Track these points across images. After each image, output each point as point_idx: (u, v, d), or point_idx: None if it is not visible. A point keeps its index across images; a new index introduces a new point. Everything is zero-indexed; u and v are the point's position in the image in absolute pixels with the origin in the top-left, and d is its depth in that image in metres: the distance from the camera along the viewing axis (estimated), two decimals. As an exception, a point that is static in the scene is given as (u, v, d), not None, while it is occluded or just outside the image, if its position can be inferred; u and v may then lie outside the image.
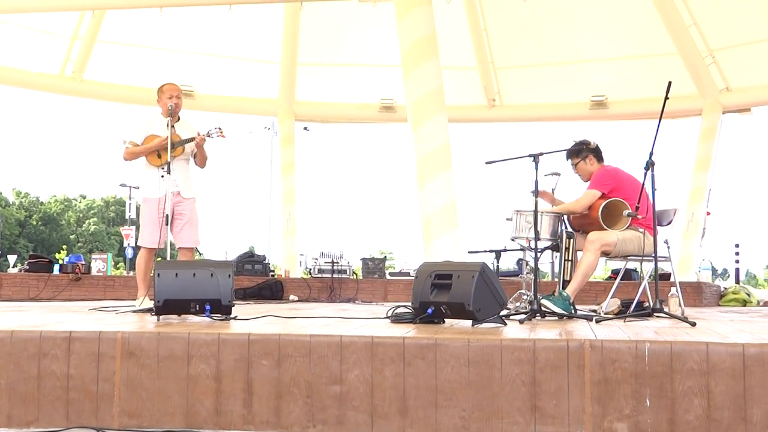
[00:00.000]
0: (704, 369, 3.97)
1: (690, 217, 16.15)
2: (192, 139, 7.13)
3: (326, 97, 18.51)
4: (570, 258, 6.55)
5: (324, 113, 18.83)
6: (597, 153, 7.05)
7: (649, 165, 5.87)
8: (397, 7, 12.24)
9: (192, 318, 5.59)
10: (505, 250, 8.45)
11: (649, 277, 6.55)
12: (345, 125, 20.59)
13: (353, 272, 13.01)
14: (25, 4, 14.29)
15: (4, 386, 4.34)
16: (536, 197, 6.29)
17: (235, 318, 5.65)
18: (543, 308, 6.05)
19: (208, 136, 7.14)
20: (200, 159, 7.36)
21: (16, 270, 13.10)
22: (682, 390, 3.97)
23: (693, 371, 3.98)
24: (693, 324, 5.33)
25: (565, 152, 6.97)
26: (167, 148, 7.03)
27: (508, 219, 6.89)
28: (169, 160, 6.99)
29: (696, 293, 11.27)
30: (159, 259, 7.96)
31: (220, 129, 7.17)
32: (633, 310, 6.25)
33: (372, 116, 18.58)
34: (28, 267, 12.54)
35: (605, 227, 6.59)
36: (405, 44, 12.04)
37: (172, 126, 7.19)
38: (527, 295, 7.02)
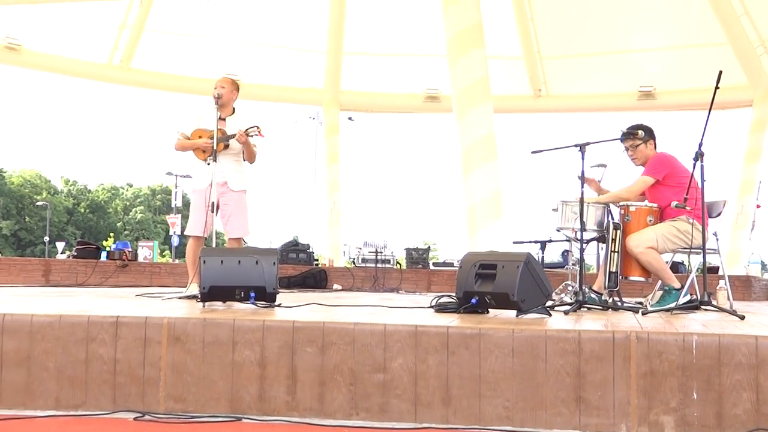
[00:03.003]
0: (753, 362, 3.91)
1: (739, 209, 15.92)
2: (233, 136, 7.15)
3: (371, 87, 18.50)
4: (617, 249, 6.47)
5: (369, 103, 18.84)
6: (655, 139, 6.93)
7: (699, 156, 5.78)
8: (443, -4, 12.19)
9: (237, 305, 5.63)
10: (550, 241, 8.39)
11: (697, 270, 6.46)
12: (390, 115, 20.57)
13: (397, 262, 13.01)
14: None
15: (53, 370, 4.41)
16: (582, 187, 6.23)
17: (279, 305, 5.68)
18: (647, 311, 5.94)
19: (248, 135, 7.16)
20: (247, 155, 7.36)
21: (64, 256, 13.28)
22: (730, 383, 3.92)
23: (741, 364, 3.92)
24: (742, 317, 5.25)
25: (624, 133, 6.79)
26: (212, 144, 7.11)
27: (554, 209, 6.83)
28: (214, 147, 7.03)
29: (745, 287, 11.11)
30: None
31: (258, 128, 7.18)
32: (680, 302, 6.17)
33: (417, 106, 18.55)
34: (76, 253, 12.71)
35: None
36: (451, 33, 12.00)
37: (222, 118, 7.25)
38: (573, 287, 6.96)
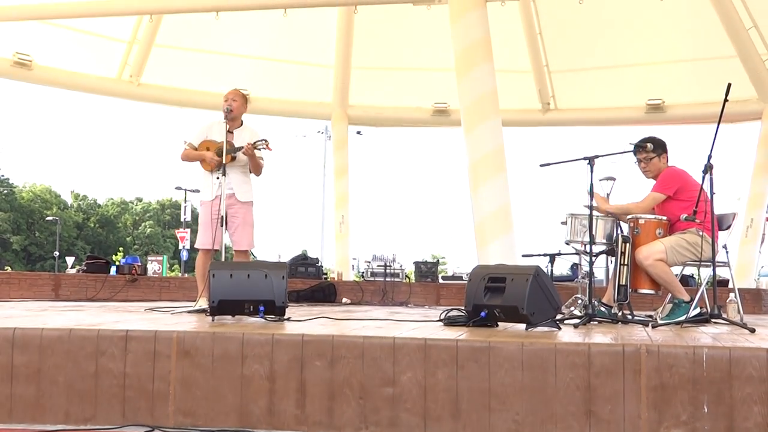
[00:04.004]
0: (764, 376, 3.90)
1: (749, 222, 15.85)
2: (240, 149, 7.17)
3: (380, 101, 18.51)
4: (626, 262, 6.45)
5: (377, 117, 18.84)
6: (667, 152, 6.90)
7: (708, 168, 5.77)
8: (451, 10, 12.21)
9: (246, 319, 5.64)
10: (559, 254, 8.37)
11: (707, 283, 6.44)
12: (398, 129, 20.58)
13: (406, 276, 13.01)
14: (83, 9, 14.54)
15: (63, 384, 4.41)
16: (591, 200, 6.22)
17: (288, 319, 5.69)
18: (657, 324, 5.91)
19: (255, 148, 7.18)
20: (253, 167, 7.40)
21: (74, 271, 13.33)
22: (741, 397, 3.90)
23: (752, 378, 3.90)
24: (752, 330, 5.24)
25: (636, 145, 6.77)
26: (219, 154, 7.14)
27: (562, 223, 6.83)
28: (223, 162, 7.06)
29: (755, 300, 11.07)
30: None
31: (266, 141, 7.22)
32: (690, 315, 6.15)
33: (425, 120, 18.56)
34: (85, 268, 12.74)
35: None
36: (459, 47, 12.02)
37: (230, 131, 7.28)
38: (582, 300, 6.95)
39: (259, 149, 7.26)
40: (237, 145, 7.24)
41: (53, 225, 61.40)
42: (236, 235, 7.33)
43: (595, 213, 6.33)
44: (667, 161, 6.87)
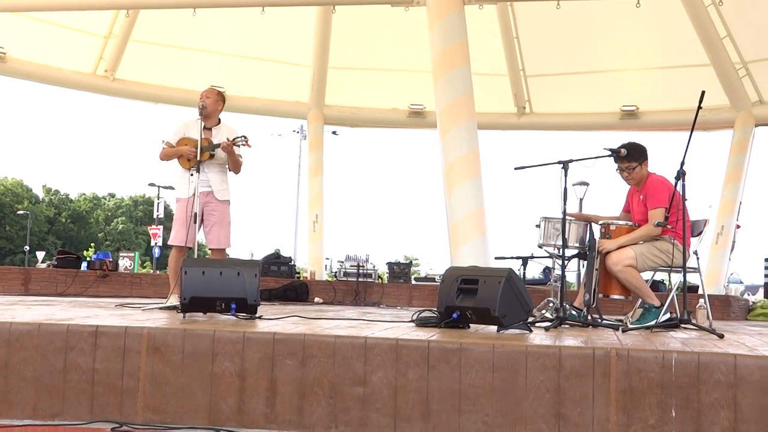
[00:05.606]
0: (731, 381, 3.93)
1: (719, 229, 15.98)
2: (218, 146, 7.16)
3: (356, 101, 18.50)
4: (597, 267, 6.49)
5: (353, 117, 18.82)
6: (647, 158, 6.86)
7: (680, 175, 5.81)
8: (429, 12, 12.24)
9: (218, 316, 5.62)
10: (532, 258, 8.40)
11: (677, 288, 6.49)
12: (374, 130, 20.57)
13: (378, 276, 13.01)
14: (59, 2, 14.43)
15: (31, 378, 4.38)
16: (564, 204, 6.25)
17: (260, 317, 5.67)
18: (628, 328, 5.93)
19: (234, 144, 7.17)
20: (232, 164, 7.38)
21: (44, 265, 13.21)
22: (708, 401, 3.93)
23: (720, 383, 3.94)
24: (721, 336, 5.28)
25: (621, 153, 6.68)
26: (196, 153, 7.12)
27: (536, 226, 6.85)
28: (198, 158, 7.04)
29: (724, 306, 11.16)
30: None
31: (245, 138, 7.22)
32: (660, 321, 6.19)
33: (401, 121, 18.55)
34: (56, 262, 12.65)
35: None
36: (436, 50, 12.04)
37: (208, 128, 7.26)
38: (554, 303, 6.98)
39: (238, 146, 7.25)
40: (215, 143, 7.22)
41: (24, 219, 60.82)
42: (212, 234, 7.30)
43: (568, 217, 6.37)
44: (648, 167, 6.85)
